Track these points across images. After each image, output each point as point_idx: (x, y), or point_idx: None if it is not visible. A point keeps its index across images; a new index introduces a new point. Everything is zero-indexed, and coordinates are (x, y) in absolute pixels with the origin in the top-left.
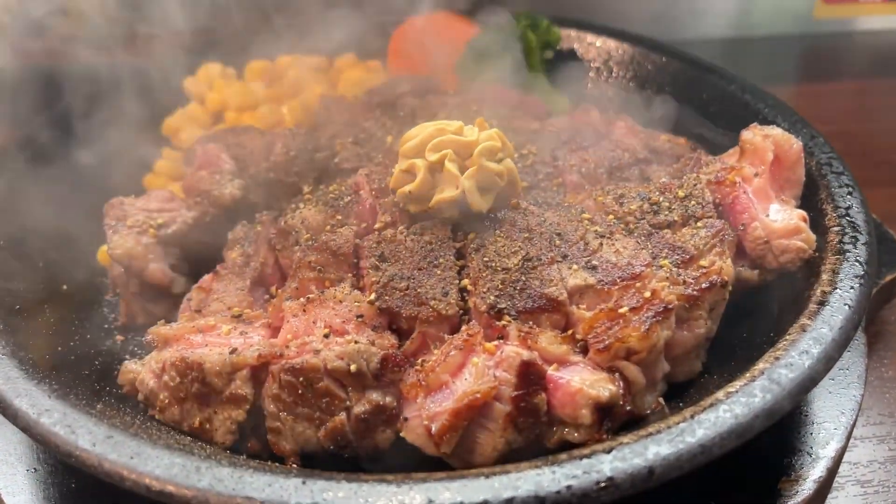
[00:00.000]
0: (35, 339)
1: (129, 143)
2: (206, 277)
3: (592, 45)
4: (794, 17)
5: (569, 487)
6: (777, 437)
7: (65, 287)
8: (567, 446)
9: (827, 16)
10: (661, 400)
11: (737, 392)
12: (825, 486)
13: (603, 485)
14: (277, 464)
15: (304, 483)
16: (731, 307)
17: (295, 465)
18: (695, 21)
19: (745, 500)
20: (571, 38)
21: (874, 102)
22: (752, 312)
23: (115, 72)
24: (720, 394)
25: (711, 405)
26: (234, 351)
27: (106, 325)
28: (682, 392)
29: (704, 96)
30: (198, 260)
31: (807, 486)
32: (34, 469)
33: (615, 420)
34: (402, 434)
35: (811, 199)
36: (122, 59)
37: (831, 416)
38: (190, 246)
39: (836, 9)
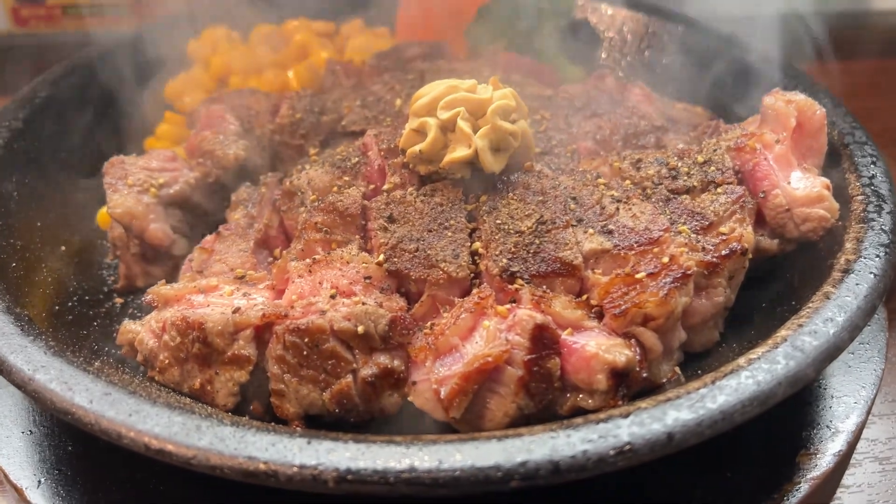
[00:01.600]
0: (31, 298)
1: (130, 105)
2: (209, 238)
3: (606, 15)
4: None
5: (584, 452)
6: (796, 411)
7: (63, 248)
8: (580, 413)
9: None
10: (676, 369)
11: (759, 359)
12: (844, 460)
13: (620, 450)
14: (281, 425)
15: (308, 443)
16: (747, 277)
17: (299, 429)
18: None
19: (763, 473)
20: (585, 7)
21: (889, 81)
22: (769, 283)
23: (116, 34)
24: (741, 360)
25: (733, 371)
26: (237, 310)
27: (105, 288)
28: (699, 362)
29: (721, 66)
30: (198, 222)
31: (826, 460)
32: (29, 431)
33: (631, 387)
34: (409, 398)
35: (834, 168)
36: (125, 22)
37: (851, 391)
38: (191, 207)
39: None
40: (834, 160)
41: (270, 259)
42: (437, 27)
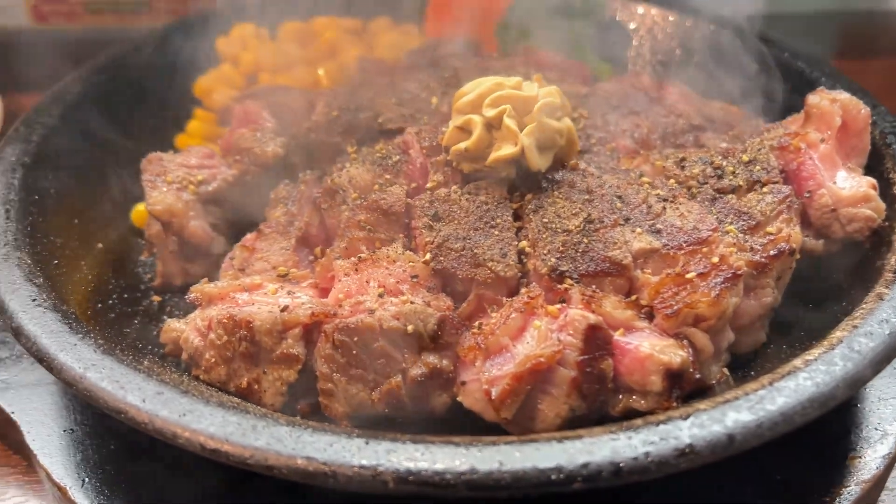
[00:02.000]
0: (75, 296)
1: (159, 102)
2: (250, 236)
3: (636, 13)
4: None
5: (647, 454)
6: (843, 413)
7: (100, 245)
8: (632, 414)
9: None
10: (725, 370)
11: (816, 360)
12: (892, 462)
13: (682, 451)
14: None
15: (367, 443)
16: (791, 278)
17: (355, 430)
18: None
19: (813, 476)
20: (615, 4)
21: None
22: (814, 283)
23: (143, 31)
24: (798, 361)
25: (790, 373)
26: (285, 309)
27: (142, 286)
28: (747, 363)
29: (756, 66)
30: (235, 219)
31: (875, 463)
32: (71, 430)
33: (684, 388)
34: (459, 398)
35: (875, 168)
36: (145, 18)
37: None
38: (228, 204)
39: None
40: (876, 159)
41: (311, 257)
42: (466, 25)
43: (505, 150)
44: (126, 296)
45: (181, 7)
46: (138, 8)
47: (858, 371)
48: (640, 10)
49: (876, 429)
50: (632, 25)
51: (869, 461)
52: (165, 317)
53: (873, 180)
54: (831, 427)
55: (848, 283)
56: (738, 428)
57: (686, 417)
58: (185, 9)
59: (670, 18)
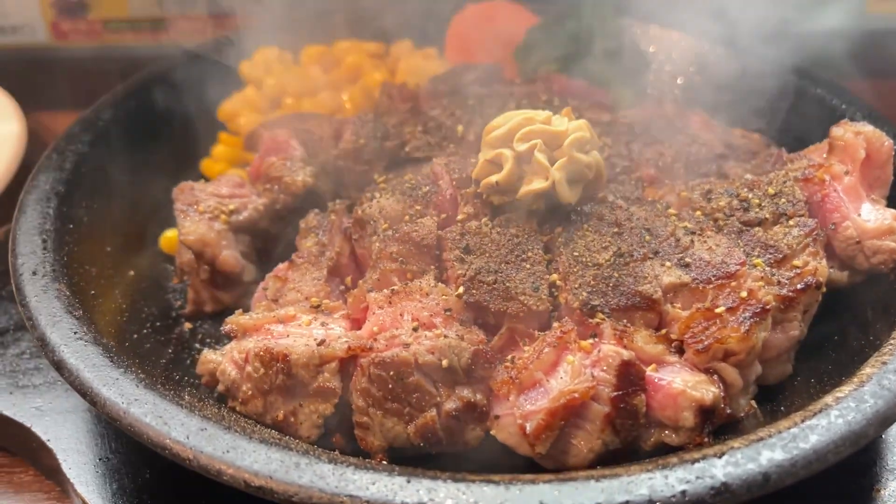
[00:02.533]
0: (112, 327)
1: (183, 126)
2: (282, 266)
3: (655, 38)
4: (846, 12)
5: (683, 493)
6: (869, 445)
7: (132, 273)
8: (664, 448)
9: (880, 10)
10: (753, 403)
11: (846, 397)
12: None
13: (718, 490)
14: (372, 461)
15: (408, 482)
16: (817, 309)
17: (383, 462)
18: (744, 15)
19: None
20: (634, 30)
21: None
22: (840, 315)
23: (160, 54)
24: (829, 399)
25: (822, 410)
26: (321, 342)
27: (173, 313)
28: (773, 395)
29: (775, 91)
30: (264, 247)
31: None
32: (107, 458)
33: (714, 423)
34: (492, 432)
35: None
36: (166, 36)
37: None
38: (258, 233)
39: (888, 4)
40: None
41: (342, 287)
42: (486, 49)
43: (536, 184)
44: (158, 324)
45: (200, 25)
46: (157, 26)
47: (889, 408)
48: (660, 34)
49: None
50: (651, 50)
51: (894, 492)
52: (197, 344)
53: None
54: (857, 459)
55: (873, 316)
56: (772, 467)
57: (720, 455)
58: (204, 27)
59: (689, 44)
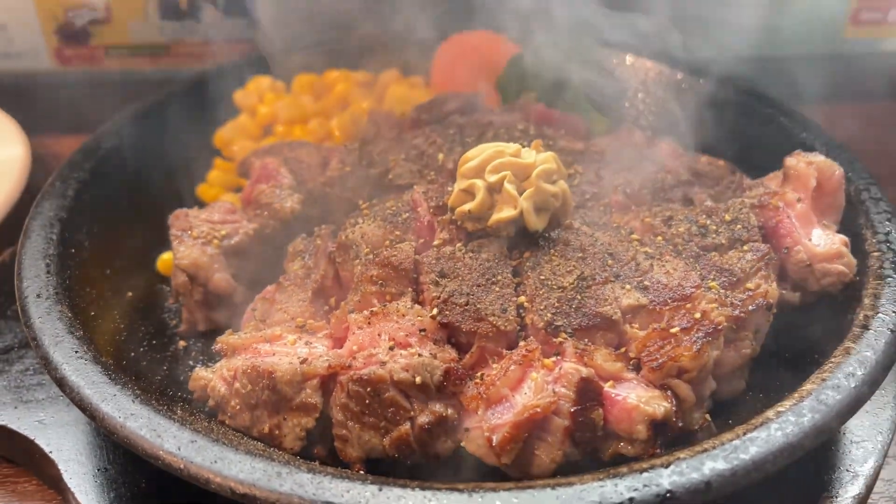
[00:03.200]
0: (110, 346)
1: (180, 153)
2: (270, 288)
3: (631, 66)
4: (824, 37)
5: (631, 500)
6: (817, 455)
7: (129, 294)
8: (621, 459)
9: (857, 36)
10: (707, 416)
11: (787, 412)
12: (862, 502)
13: (663, 497)
14: (349, 470)
15: (380, 489)
16: (771, 327)
17: (361, 471)
18: (723, 39)
19: None
20: (611, 58)
21: None
22: (793, 333)
23: (160, 78)
24: (770, 413)
25: (762, 424)
26: (304, 361)
27: (168, 332)
28: (727, 409)
29: (742, 119)
30: (254, 269)
31: (846, 503)
32: (105, 469)
33: (667, 435)
34: (462, 444)
35: (850, 223)
36: (166, 62)
37: (869, 435)
38: (249, 256)
39: (865, 30)
40: (851, 215)
41: (327, 307)
42: (470, 77)
43: (505, 213)
44: (154, 342)
45: (199, 50)
46: (157, 51)
47: (825, 422)
48: (635, 63)
49: (848, 470)
50: (627, 78)
51: (840, 501)
52: (191, 361)
53: (845, 238)
54: (806, 469)
55: (823, 336)
56: (714, 476)
57: (667, 465)
58: (203, 52)
59: (663, 71)
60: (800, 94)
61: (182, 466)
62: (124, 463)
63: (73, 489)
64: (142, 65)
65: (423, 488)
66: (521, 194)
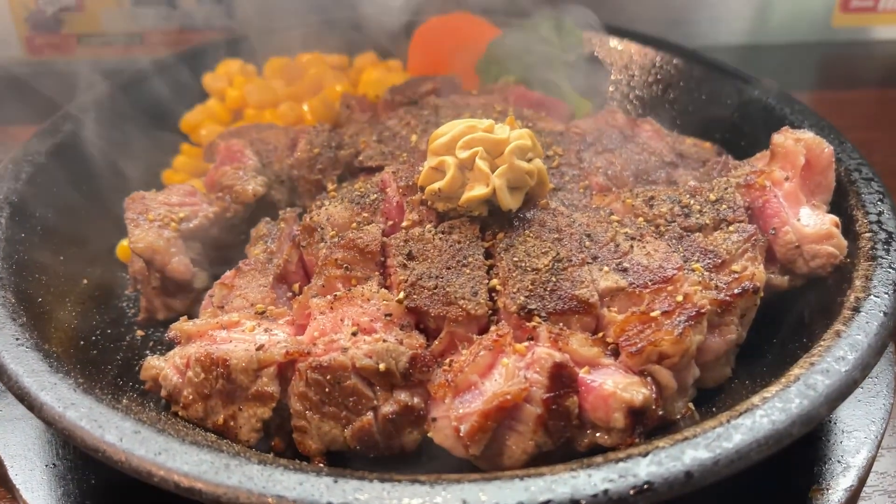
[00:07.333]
0: (58, 333)
1: (146, 138)
2: (229, 273)
3: (615, 49)
4: (812, 25)
5: (605, 492)
6: (807, 446)
7: (85, 282)
8: (598, 450)
9: (845, 24)
10: (690, 405)
11: (773, 397)
12: (855, 494)
13: (640, 489)
14: (305, 462)
15: (335, 482)
16: (758, 312)
17: (321, 465)
18: (712, 27)
19: None
20: (594, 41)
21: (892, 111)
22: (781, 318)
23: (131, 67)
24: (756, 399)
25: (747, 410)
26: (260, 347)
27: (125, 321)
28: (712, 398)
29: (729, 101)
30: (217, 255)
31: (837, 496)
32: (53, 465)
33: (647, 425)
34: (429, 435)
35: (840, 204)
36: (138, 51)
37: (861, 425)
38: (210, 241)
39: (854, 17)
40: (841, 196)
41: (290, 294)
42: (448, 61)
43: (477, 191)
44: (110, 331)
45: (173, 38)
46: (131, 40)
47: (814, 408)
48: (619, 46)
49: (839, 461)
50: (610, 61)
51: (832, 494)
52: (148, 352)
53: (836, 218)
54: (795, 460)
55: (811, 319)
56: (695, 465)
57: (645, 455)
58: (178, 40)
59: (647, 54)
60: (787, 83)
61: (123, 459)
62: (74, 459)
63: (18, 486)
64: (115, 53)
65: (381, 480)
66: (493, 172)
